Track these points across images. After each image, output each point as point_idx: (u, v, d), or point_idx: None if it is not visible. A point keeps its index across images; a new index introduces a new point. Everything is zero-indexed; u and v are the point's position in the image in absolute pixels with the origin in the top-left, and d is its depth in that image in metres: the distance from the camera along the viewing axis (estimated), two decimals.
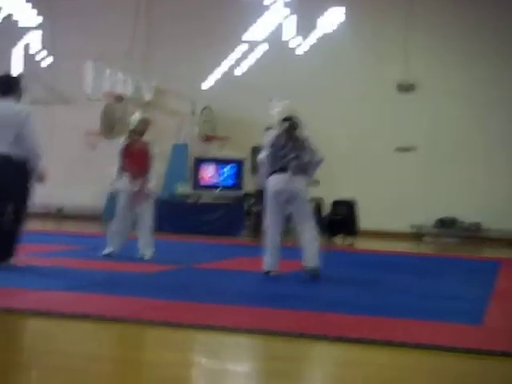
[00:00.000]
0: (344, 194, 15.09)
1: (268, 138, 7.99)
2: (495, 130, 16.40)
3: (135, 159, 9.34)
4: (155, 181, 9.61)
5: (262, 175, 8.07)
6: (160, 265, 8.76)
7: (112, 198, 9.99)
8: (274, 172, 7.83)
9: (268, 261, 7.86)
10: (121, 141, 9.59)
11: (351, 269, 7.81)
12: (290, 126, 7.89)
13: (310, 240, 7.77)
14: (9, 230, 7.61)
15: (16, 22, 19.32)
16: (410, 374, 4.20)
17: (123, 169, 9.35)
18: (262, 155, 7.98)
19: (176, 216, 15.24)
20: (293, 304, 6.17)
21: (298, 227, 7.90)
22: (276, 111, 8.11)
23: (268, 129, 8.04)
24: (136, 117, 9.66)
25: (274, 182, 7.79)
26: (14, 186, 7.58)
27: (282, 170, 7.75)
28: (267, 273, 7.83)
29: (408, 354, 4.59)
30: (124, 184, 9.34)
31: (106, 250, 9.29)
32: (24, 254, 7.96)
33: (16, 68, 19.24)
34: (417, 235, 16.43)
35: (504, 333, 5.32)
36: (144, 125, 9.55)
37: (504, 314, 6.27)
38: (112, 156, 9.75)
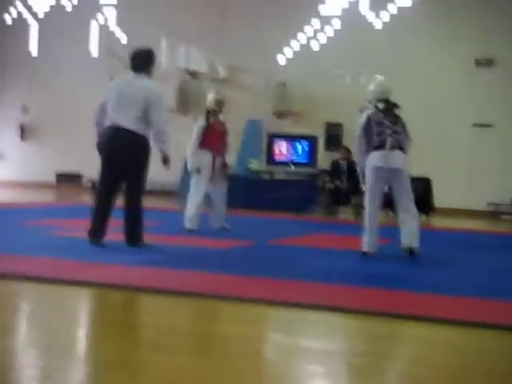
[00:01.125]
0: (419, 171, 14.90)
1: (362, 118, 7.75)
2: None
3: (215, 138, 9.74)
4: (232, 158, 9.99)
5: (357, 155, 7.94)
6: (235, 240, 8.83)
7: (188, 174, 10.11)
8: (372, 149, 7.66)
9: (366, 241, 7.74)
10: (199, 120, 9.80)
11: (425, 247, 7.68)
12: (388, 105, 7.71)
13: (411, 219, 7.60)
14: (129, 213, 7.49)
15: None
16: (471, 354, 4.15)
17: (204, 146, 9.63)
18: (356, 137, 7.81)
19: (249, 192, 15.26)
20: (373, 282, 6.14)
21: (397, 205, 7.75)
22: (371, 90, 7.85)
23: (362, 110, 7.83)
24: (211, 97, 9.93)
25: (374, 160, 7.63)
26: (132, 163, 7.42)
27: (380, 147, 7.58)
28: (365, 253, 7.70)
29: (476, 333, 4.53)
30: (206, 161, 9.65)
31: (190, 225, 9.58)
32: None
33: (94, 43, 19.63)
34: (494, 213, 16.14)
35: None
36: (220, 106, 9.88)
37: None
38: (187, 132, 9.90)
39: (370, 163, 7.66)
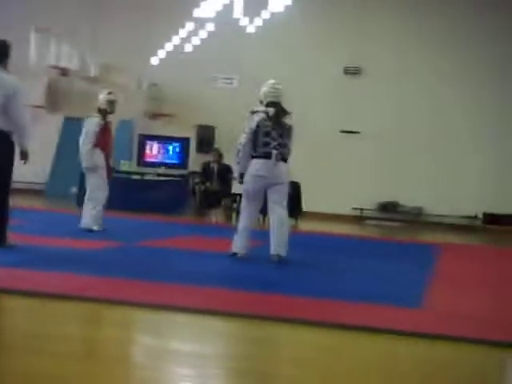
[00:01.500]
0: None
1: (252, 122, 7.74)
2: (442, 114, 16.67)
3: (108, 138, 9.97)
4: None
5: (241, 159, 7.86)
6: (105, 241, 8.71)
7: (82, 174, 10.18)
8: (255, 157, 7.71)
9: (237, 243, 7.82)
10: (92, 119, 9.84)
11: (294, 250, 7.84)
12: (277, 112, 7.73)
13: (282, 225, 7.69)
14: None
15: None
16: (347, 356, 4.27)
17: (97, 146, 9.74)
18: (244, 139, 7.74)
19: (120, 193, 15.02)
20: (245, 285, 6.20)
21: (270, 211, 7.83)
22: (262, 92, 7.87)
23: (253, 112, 7.83)
24: (103, 97, 9.94)
25: (257, 167, 7.68)
26: None
27: (265, 156, 7.64)
28: (234, 254, 7.76)
29: (346, 336, 4.65)
30: (101, 160, 9.78)
31: (96, 226, 9.73)
32: None
33: None
34: (359, 218, 16.63)
35: (443, 316, 5.43)
36: (112, 106, 9.95)
37: (443, 298, 6.40)
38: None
39: (252, 171, 7.73)
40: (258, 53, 17.15)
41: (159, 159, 16.34)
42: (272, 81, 8.04)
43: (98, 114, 9.85)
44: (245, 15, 17.52)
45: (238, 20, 17.56)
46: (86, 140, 9.74)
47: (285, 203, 7.83)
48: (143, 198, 15.06)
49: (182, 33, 17.73)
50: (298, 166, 16.28)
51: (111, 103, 9.91)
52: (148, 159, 16.32)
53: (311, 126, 16.95)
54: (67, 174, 16.38)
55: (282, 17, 17.35)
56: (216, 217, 14.52)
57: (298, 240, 9.32)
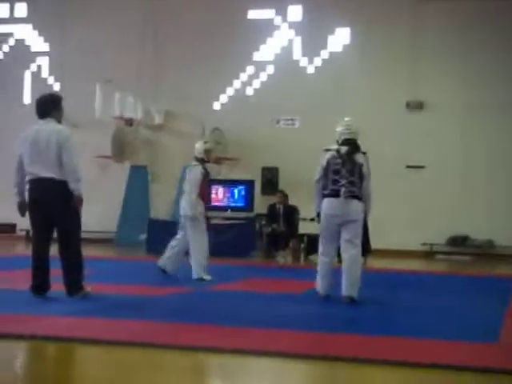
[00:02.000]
0: None
1: (323, 159, 7.84)
2: (508, 145, 16.42)
3: (206, 187, 10.13)
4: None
5: (315, 197, 7.98)
6: (175, 287, 8.76)
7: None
8: (325, 195, 7.77)
9: (318, 282, 7.87)
10: (195, 169, 9.87)
11: (365, 287, 7.76)
12: (349, 150, 7.77)
13: (350, 264, 7.65)
14: (66, 261, 7.36)
15: (28, 46, 19.66)
16: None
17: (200, 196, 9.80)
18: (315, 177, 7.90)
19: None
20: (310, 325, 6.16)
21: (342, 250, 7.81)
22: (337, 130, 7.94)
23: (326, 150, 7.91)
24: (200, 146, 10.08)
25: (327, 206, 7.74)
26: (60, 212, 7.33)
27: (335, 194, 7.68)
28: (317, 293, 7.84)
29: (423, 374, 4.56)
30: (203, 210, 9.88)
31: (206, 275, 9.74)
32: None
33: (28, 91, 19.48)
34: (428, 253, 16.38)
35: None
36: (209, 155, 10.07)
37: None
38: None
39: (324, 209, 7.77)
40: (318, 92, 17.20)
41: (225, 203, 16.46)
42: (346, 119, 8.09)
43: (196, 163, 9.92)
44: (304, 56, 17.69)
45: (297, 61, 17.73)
46: (192, 188, 9.75)
47: (357, 241, 7.77)
48: (211, 242, 15.06)
49: (243, 76, 17.97)
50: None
51: (208, 152, 10.02)
52: (214, 203, 16.43)
53: (376, 162, 16.78)
54: (135, 221, 16.62)
55: (341, 56, 17.46)
56: (284, 258, 14.48)
57: (369, 278, 9.22)
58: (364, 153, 7.94)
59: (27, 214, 7.47)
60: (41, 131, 7.37)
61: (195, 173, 9.81)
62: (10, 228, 19.23)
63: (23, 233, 18.71)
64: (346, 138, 7.86)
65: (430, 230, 16.47)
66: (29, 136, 7.41)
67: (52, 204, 7.28)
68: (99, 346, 5.16)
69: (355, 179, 7.74)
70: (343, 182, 7.67)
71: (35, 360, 5.08)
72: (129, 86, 17.59)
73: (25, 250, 16.19)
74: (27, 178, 7.41)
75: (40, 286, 7.35)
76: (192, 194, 9.72)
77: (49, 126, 7.41)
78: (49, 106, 7.53)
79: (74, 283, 7.35)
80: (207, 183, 10.15)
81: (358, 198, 7.77)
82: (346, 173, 7.69)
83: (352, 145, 7.82)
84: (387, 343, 5.42)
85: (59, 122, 7.56)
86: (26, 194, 7.47)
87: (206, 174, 9.85)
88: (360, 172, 7.79)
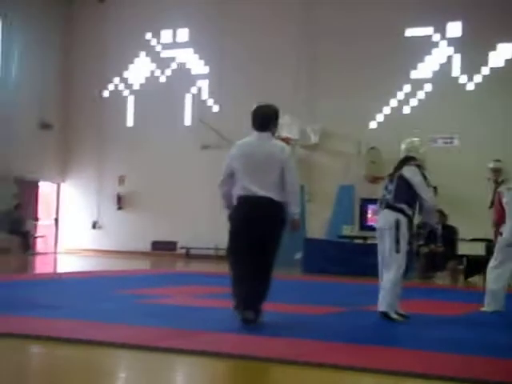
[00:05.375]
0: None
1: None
2: None
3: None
4: None
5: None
6: (329, 306, 8.72)
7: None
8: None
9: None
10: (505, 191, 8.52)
11: None
12: (398, 164, 7.71)
13: (385, 283, 7.49)
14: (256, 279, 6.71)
15: (189, 69, 20.47)
16: None
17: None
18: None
19: (342, 257, 15.08)
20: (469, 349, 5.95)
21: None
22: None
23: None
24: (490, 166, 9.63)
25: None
26: (271, 234, 6.75)
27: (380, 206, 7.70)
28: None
29: None
30: None
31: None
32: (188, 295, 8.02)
33: (188, 113, 20.28)
34: None
35: None
36: (497, 174, 9.42)
37: None
38: None
39: None
40: (478, 109, 16.73)
41: None
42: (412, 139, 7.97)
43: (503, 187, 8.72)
44: (463, 73, 17.28)
45: (456, 78, 17.34)
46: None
47: (386, 254, 7.50)
48: (366, 262, 14.94)
49: (400, 95, 17.78)
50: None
51: (496, 171, 9.44)
52: (370, 223, 16.26)
53: None
54: (291, 240, 16.68)
55: (503, 71, 16.90)
56: (442, 279, 14.11)
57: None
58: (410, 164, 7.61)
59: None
60: (261, 147, 6.80)
61: (508, 197, 8.36)
62: (172, 245, 19.91)
63: (183, 250, 19.35)
64: (403, 155, 7.76)
65: None
66: (245, 149, 6.85)
67: (267, 225, 6.70)
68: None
69: (392, 188, 7.53)
70: (384, 192, 7.60)
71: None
72: (285, 105, 17.75)
73: (184, 267, 16.73)
74: (239, 193, 6.79)
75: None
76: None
77: (268, 141, 6.84)
78: (271, 118, 6.93)
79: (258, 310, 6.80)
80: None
81: (392, 207, 7.49)
82: (390, 184, 7.58)
83: (402, 159, 7.71)
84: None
85: (273, 136, 6.96)
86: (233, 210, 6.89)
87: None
88: (398, 183, 7.52)
